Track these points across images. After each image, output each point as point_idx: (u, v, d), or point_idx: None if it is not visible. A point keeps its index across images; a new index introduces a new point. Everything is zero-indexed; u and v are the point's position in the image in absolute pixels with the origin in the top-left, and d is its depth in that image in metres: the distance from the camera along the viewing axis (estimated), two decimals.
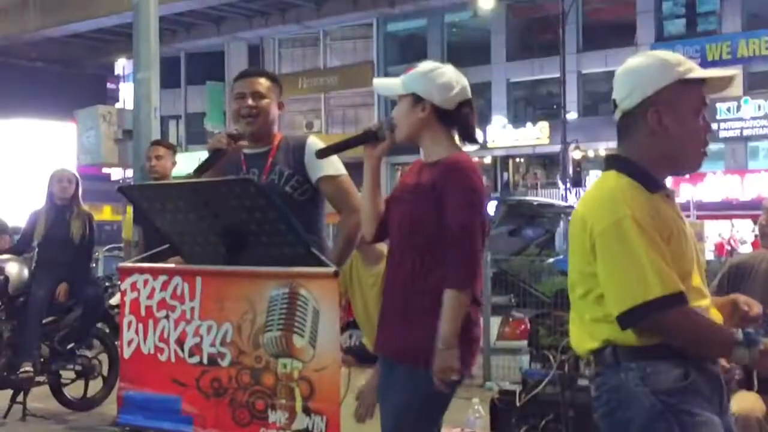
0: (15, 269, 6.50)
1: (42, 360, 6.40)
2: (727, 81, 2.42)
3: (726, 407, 2.36)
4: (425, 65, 3.03)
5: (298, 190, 3.46)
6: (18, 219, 16.29)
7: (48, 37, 33.73)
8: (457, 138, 3.05)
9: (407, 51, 33.32)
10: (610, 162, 2.40)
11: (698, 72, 2.36)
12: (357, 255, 4.02)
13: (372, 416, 3.50)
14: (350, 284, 4.05)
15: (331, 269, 2.89)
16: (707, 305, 2.33)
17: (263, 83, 3.58)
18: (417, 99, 2.97)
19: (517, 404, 5.02)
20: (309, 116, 35.14)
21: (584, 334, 2.36)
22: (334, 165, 3.55)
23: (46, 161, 18.48)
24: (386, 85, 3.13)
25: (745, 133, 28.18)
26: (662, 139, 2.33)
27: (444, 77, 2.99)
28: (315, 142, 3.54)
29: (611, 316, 2.24)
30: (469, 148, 3.06)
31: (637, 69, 2.39)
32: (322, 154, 3.26)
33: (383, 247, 3.68)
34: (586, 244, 2.29)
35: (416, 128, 2.99)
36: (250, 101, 3.52)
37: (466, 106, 3.02)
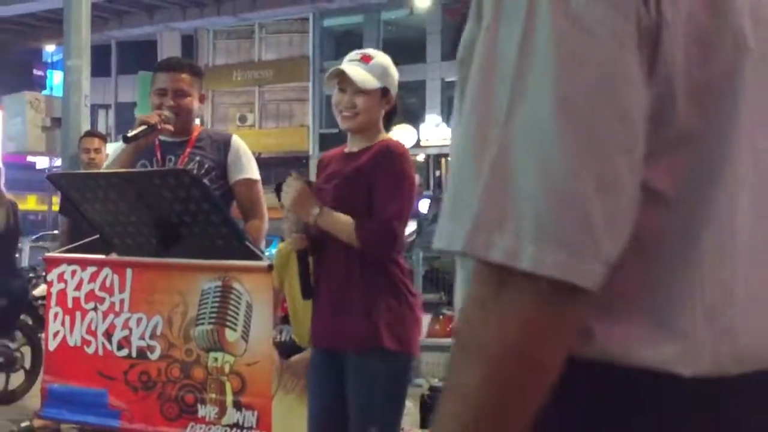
0: None
1: None
2: None
3: None
4: (382, 58, 3.10)
5: (214, 184, 3.44)
6: None
7: None
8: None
9: (343, 46, 33.29)
10: None
11: None
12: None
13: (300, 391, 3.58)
14: (286, 277, 4.04)
15: (265, 263, 2.87)
16: None
17: (185, 79, 3.55)
18: (384, 92, 3.05)
19: None
20: (243, 109, 34.83)
21: None
22: (254, 169, 3.59)
23: None
24: (362, 77, 3.08)
25: None
26: None
27: (395, 68, 3.12)
28: (239, 141, 3.59)
29: None
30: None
31: None
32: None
33: None
34: None
35: (376, 119, 3.07)
36: (171, 101, 3.49)
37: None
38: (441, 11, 32.04)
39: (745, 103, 0.88)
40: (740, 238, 0.89)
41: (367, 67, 3.06)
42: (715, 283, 0.89)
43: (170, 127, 3.41)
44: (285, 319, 4.30)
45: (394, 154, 2.95)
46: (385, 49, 3.44)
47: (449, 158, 0.95)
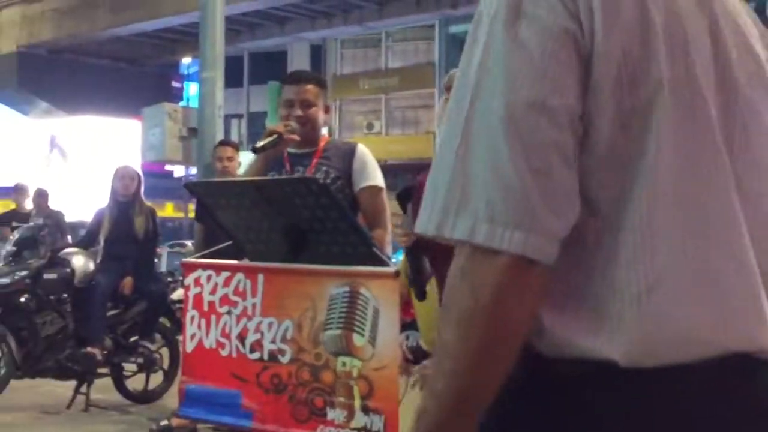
0: (81, 262, 6.65)
1: (106, 352, 6.53)
2: None
3: None
4: None
5: (340, 193, 3.50)
6: (84, 214, 16.65)
7: (116, 35, 34.39)
8: None
9: None
10: None
11: None
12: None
13: None
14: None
15: (392, 269, 2.90)
16: None
17: (311, 90, 3.63)
18: None
19: None
20: (369, 117, 35.21)
21: None
22: (378, 178, 3.62)
23: (112, 157, 18.85)
24: None
25: None
26: None
27: None
28: (364, 150, 3.62)
29: None
30: None
31: None
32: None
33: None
34: None
35: None
36: (299, 111, 3.57)
37: None
38: None
39: (665, 125, 1.03)
40: (661, 237, 1.03)
41: None
42: (638, 273, 1.02)
43: (296, 137, 3.49)
44: (411, 325, 4.32)
45: None
46: None
47: None
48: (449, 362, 1.02)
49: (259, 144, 3.42)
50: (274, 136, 3.42)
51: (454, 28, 34.49)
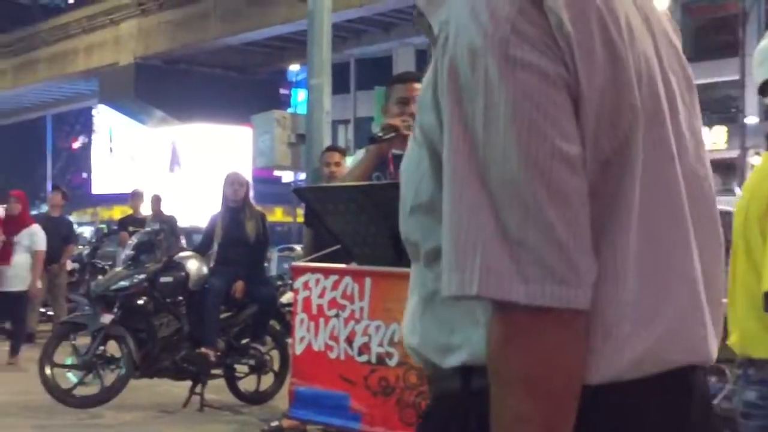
0: (194, 266, 6.84)
1: (219, 353, 6.70)
2: None
3: None
4: None
5: None
6: (197, 220, 17.12)
7: (226, 45, 35.29)
8: None
9: None
10: None
11: None
12: None
13: None
14: None
15: None
16: None
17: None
18: None
19: None
20: None
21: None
22: None
23: (224, 163, 19.34)
24: None
25: None
26: None
27: None
28: None
29: None
30: None
31: None
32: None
33: None
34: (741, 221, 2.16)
35: None
36: (413, 109, 3.59)
37: None
38: (680, 12, 30.68)
39: (639, 160, 1.06)
40: (631, 270, 1.07)
41: None
42: (610, 305, 1.06)
43: (411, 133, 3.52)
44: None
45: None
46: None
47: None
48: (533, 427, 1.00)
49: (379, 134, 3.46)
50: (392, 129, 3.46)
51: None
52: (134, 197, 11.32)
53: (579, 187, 1.01)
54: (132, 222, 10.77)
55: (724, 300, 1.28)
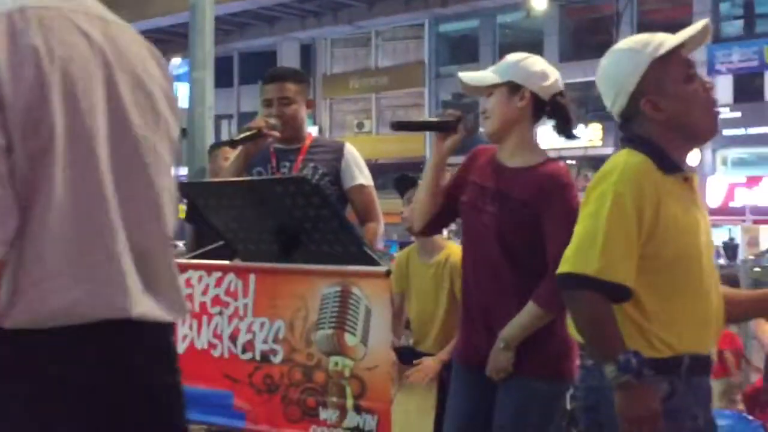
0: None
1: None
2: (703, 34, 2.32)
3: (709, 420, 2.28)
4: (515, 55, 2.94)
5: (328, 190, 3.51)
6: None
7: None
8: (552, 133, 2.99)
9: (459, 52, 33.23)
10: (626, 141, 2.33)
11: (669, 43, 2.28)
12: (414, 248, 4.06)
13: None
14: (407, 282, 4.07)
15: (384, 268, 2.90)
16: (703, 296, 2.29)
17: (290, 88, 3.65)
18: (514, 88, 2.87)
19: None
20: (360, 116, 35.21)
21: None
22: (366, 175, 3.64)
23: None
24: (476, 77, 2.99)
25: None
26: (665, 120, 2.26)
27: (538, 65, 2.93)
28: (351, 149, 3.65)
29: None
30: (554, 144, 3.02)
31: (609, 71, 2.33)
32: (398, 126, 3.26)
33: (440, 238, 3.73)
34: None
35: (511, 120, 2.88)
36: (278, 110, 3.59)
37: (561, 96, 2.95)
38: (558, 12, 31.58)
39: (59, 167, 1.47)
40: (49, 246, 1.48)
41: (493, 67, 3.00)
42: (35, 261, 1.47)
43: (276, 134, 3.51)
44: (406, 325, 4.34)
45: (562, 188, 2.80)
46: (501, 53, 3.42)
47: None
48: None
49: (237, 137, 3.45)
50: (253, 130, 3.45)
51: (444, 27, 34.51)
52: None
53: (2, 173, 1.43)
54: None
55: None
